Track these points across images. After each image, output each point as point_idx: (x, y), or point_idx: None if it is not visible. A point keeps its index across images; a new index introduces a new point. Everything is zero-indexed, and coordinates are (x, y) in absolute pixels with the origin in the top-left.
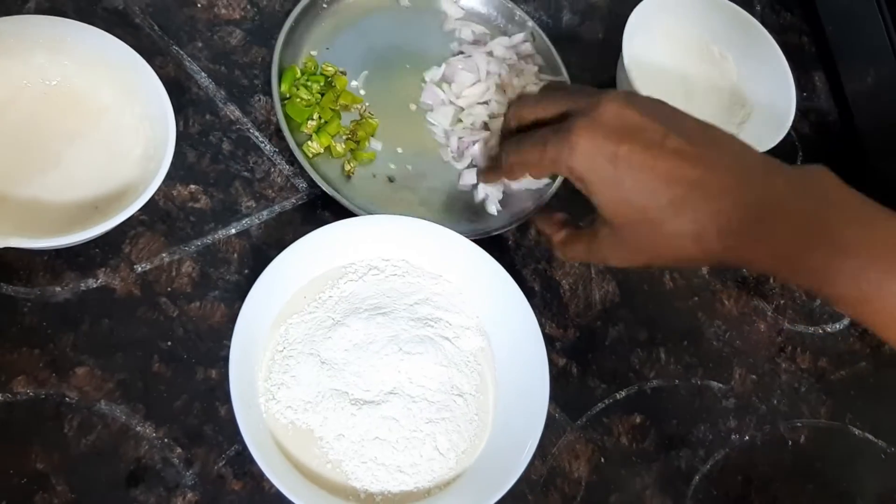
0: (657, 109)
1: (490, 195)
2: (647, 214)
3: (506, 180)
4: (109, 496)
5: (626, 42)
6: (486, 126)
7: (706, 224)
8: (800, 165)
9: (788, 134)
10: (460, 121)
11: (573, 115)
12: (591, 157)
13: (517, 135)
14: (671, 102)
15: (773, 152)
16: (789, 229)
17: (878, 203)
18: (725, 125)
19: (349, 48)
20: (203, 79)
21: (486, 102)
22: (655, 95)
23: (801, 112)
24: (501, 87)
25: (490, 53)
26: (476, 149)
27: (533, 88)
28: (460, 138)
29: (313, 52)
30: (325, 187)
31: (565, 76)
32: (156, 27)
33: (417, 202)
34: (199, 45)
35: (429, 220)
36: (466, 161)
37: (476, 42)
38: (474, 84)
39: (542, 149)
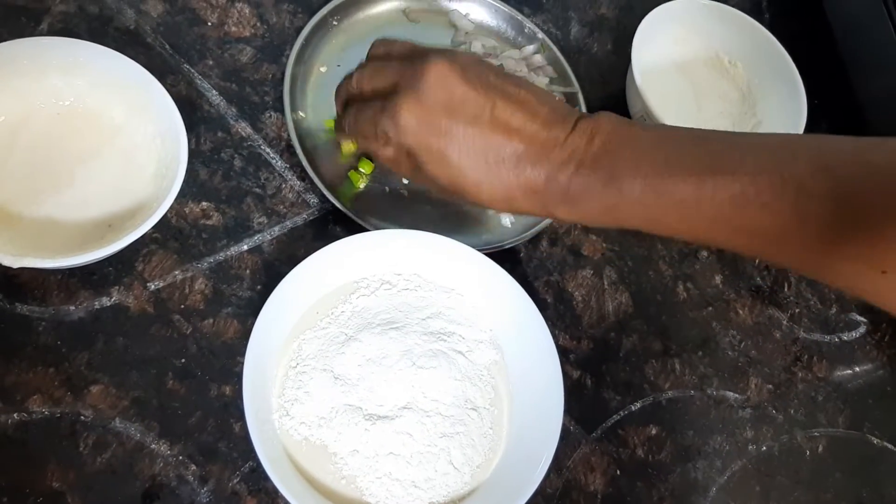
0: (481, 75)
1: None
2: (468, 179)
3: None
4: None
5: (635, 52)
6: None
7: (518, 187)
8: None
9: None
10: None
11: (399, 88)
12: (417, 133)
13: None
14: (681, 111)
15: None
16: (579, 181)
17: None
18: None
19: None
20: (214, 96)
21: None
22: (665, 105)
23: (813, 120)
24: None
25: (501, 66)
26: None
27: None
28: None
29: (323, 69)
30: (336, 202)
31: (576, 87)
32: (167, 46)
33: (429, 216)
34: (210, 62)
35: (441, 233)
36: None
37: (487, 55)
38: None
39: (373, 124)
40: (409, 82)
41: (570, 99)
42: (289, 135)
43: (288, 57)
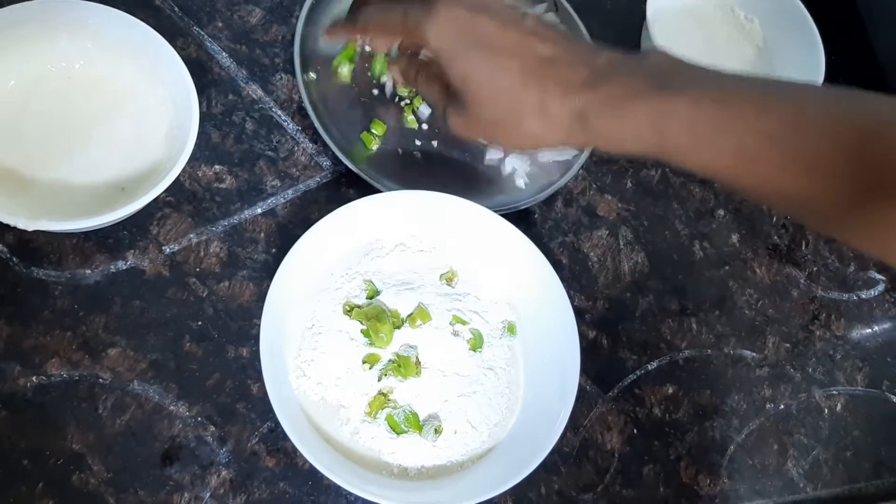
0: (521, 7)
1: (518, 169)
2: (495, 87)
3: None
4: (145, 475)
5: (649, 9)
6: None
7: (551, 92)
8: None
9: None
10: None
11: None
12: (446, 28)
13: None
14: None
15: None
16: (625, 85)
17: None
18: None
19: None
20: (224, 59)
21: None
22: None
23: (830, 76)
24: None
25: None
26: None
27: None
28: None
29: None
30: (349, 164)
31: None
32: (176, 8)
33: (443, 177)
34: (220, 24)
35: (455, 194)
36: None
37: None
38: None
39: (402, 16)
40: None
41: None
42: (300, 96)
43: (297, 18)
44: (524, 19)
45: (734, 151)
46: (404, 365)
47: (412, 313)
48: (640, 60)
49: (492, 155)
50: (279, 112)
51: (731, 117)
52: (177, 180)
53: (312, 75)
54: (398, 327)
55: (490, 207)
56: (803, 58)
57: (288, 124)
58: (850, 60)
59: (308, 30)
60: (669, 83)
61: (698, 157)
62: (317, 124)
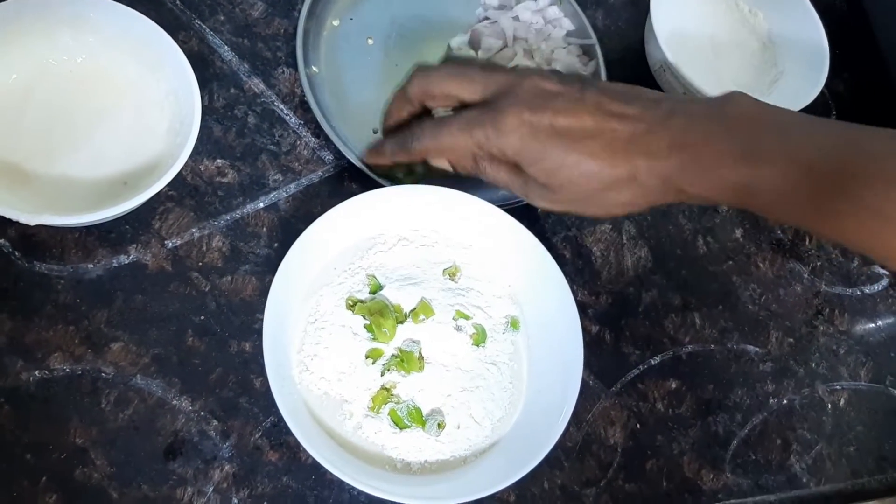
0: (573, 77)
1: None
2: (582, 171)
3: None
4: (148, 469)
5: (653, 2)
6: None
7: (639, 163)
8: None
9: (821, 93)
10: None
11: (496, 97)
12: (519, 134)
13: (426, 118)
14: (700, 63)
15: (805, 112)
16: (711, 149)
17: (793, 112)
18: (757, 85)
19: (373, 18)
20: (226, 52)
21: (514, 68)
22: (684, 56)
23: (834, 70)
24: (529, 52)
25: (516, 18)
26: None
27: (561, 52)
28: None
29: (335, 23)
30: (352, 158)
31: (593, 39)
32: (178, 2)
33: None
34: (221, 18)
35: (458, 188)
36: None
37: (502, 7)
38: (501, 49)
39: (467, 133)
40: (505, 90)
41: (588, 51)
42: (302, 90)
43: (300, 11)
44: (585, 93)
45: (822, 215)
46: (407, 360)
47: (415, 308)
48: (718, 115)
49: None
50: (281, 106)
51: (821, 186)
52: (179, 174)
53: (315, 69)
54: (401, 322)
55: (493, 202)
56: (807, 51)
57: (290, 118)
58: (854, 54)
59: (310, 23)
60: (756, 149)
61: (786, 219)
62: (319, 118)
